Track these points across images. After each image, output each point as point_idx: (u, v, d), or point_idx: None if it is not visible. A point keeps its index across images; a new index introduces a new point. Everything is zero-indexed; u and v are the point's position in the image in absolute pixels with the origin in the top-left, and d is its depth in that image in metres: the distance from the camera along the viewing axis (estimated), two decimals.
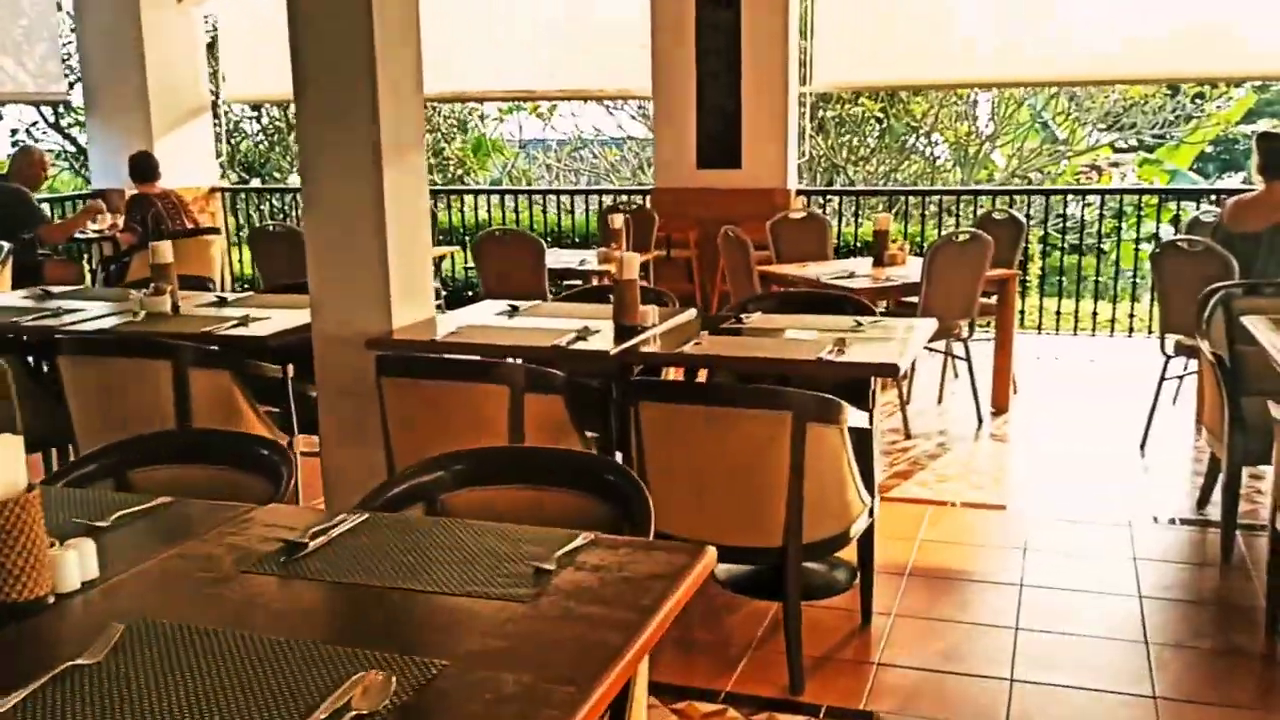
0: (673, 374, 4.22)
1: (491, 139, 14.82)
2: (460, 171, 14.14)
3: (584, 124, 15.37)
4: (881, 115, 11.87)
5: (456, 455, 2.35)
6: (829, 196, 9.21)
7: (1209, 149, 15.30)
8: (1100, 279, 8.32)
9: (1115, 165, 16.72)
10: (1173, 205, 10.72)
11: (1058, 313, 8.19)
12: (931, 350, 6.23)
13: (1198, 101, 11.96)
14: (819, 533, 3.21)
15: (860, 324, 3.96)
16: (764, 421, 3.08)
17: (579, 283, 7.82)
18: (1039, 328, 8.38)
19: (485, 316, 4.31)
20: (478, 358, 3.66)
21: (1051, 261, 11.20)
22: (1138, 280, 8.22)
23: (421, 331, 3.93)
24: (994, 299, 6.16)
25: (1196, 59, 8.15)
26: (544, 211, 9.78)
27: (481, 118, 14.30)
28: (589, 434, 3.85)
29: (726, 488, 3.17)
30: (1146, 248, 14.08)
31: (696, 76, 8.28)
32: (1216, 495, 4.61)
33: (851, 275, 5.82)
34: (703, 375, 4.22)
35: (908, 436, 5.66)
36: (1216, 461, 4.47)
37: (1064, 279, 8.77)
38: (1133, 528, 4.40)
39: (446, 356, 3.73)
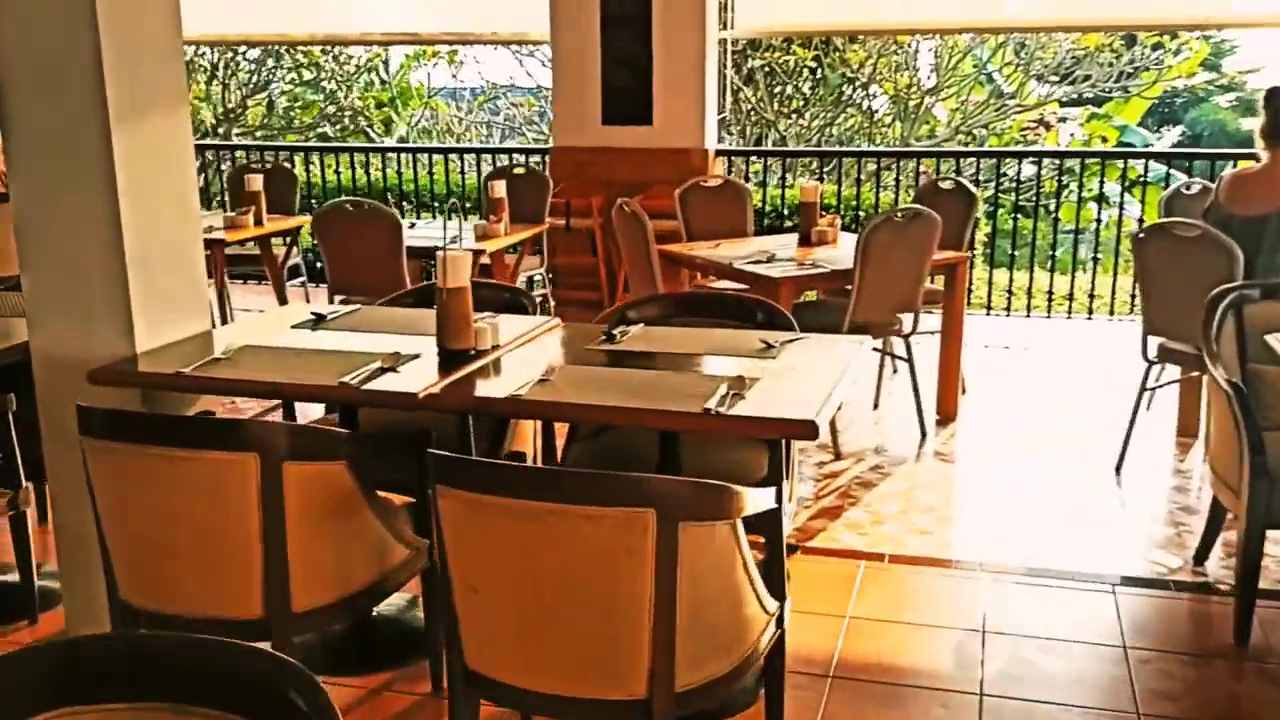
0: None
1: (416, 88, 13.52)
2: (365, 125, 12.88)
3: (499, 73, 14.16)
4: (815, 65, 10.83)
5: None
6: (754, 158, 8.17)
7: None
8: (1056, 253, 7.38)
9: (1063, 121, 15.90)
10: (1120, 164, 9.93)
11: (1009, 291, 7.25)
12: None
13: (1156, 53, 11.05)
14: (700, 674, 2.22)
15: (770, 346, 2.96)
16: (615, 524, 2.06)
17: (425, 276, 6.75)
18: (987, 307, 7.45)
19: (276, 331, 3.24)
20: (215, 413, 2.60)
21: (1002, 223, 10.31)
22: (1098, 255, 7.30)
23: (167, 360, 2.85)
24: (940, 283, 5.21)
25: (1156, 5, 7.23)
26: (430, 172, 8.65)
27: (384, 64, 13.02)
28: (404, 499, 2.83)
29: (566, 618, 2.15)
30: (1094, 209, 13.25)
31: (601, 19, 7.16)
32: (1218, 549, 3.70)
33: (771, 259, 4.81)
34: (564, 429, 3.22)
35: (837, 457, 4.69)
36: (1220, 508, 3.54)
37: (1015, 253, 7.83)
38: (1117, 594, 3.47)
39: (162, 415, 2.67)
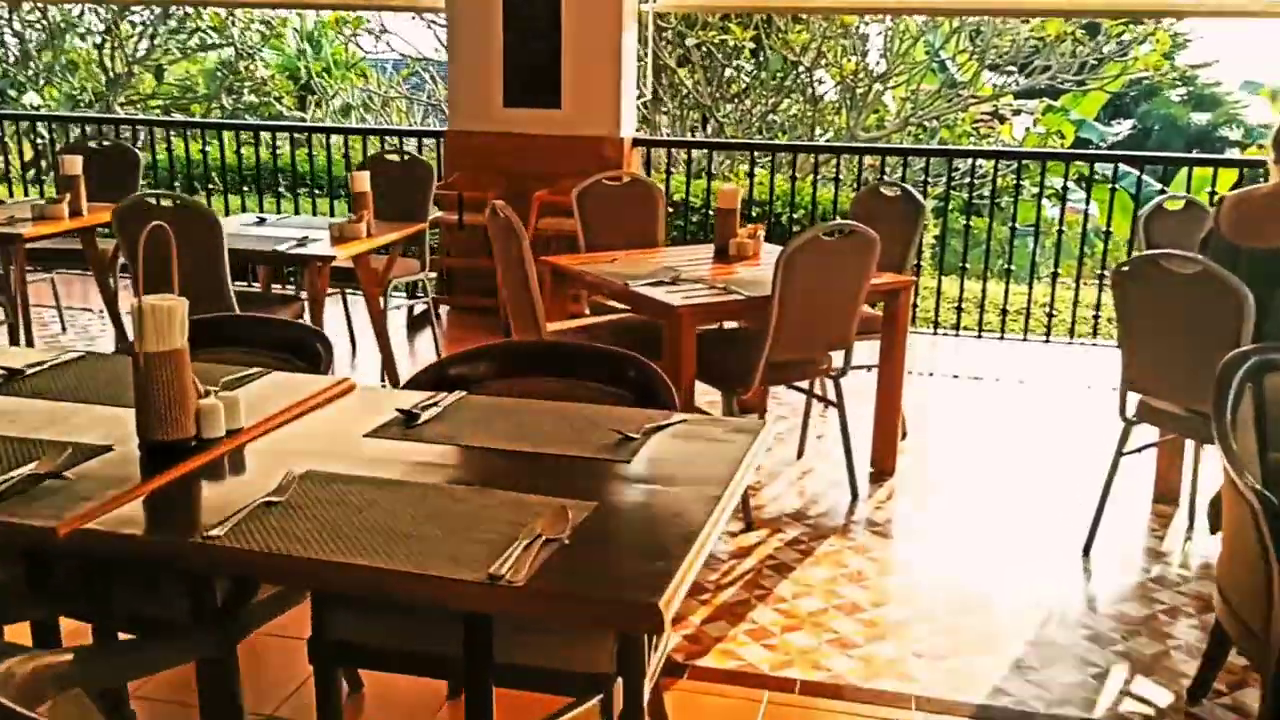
0: None
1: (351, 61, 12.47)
2: (273, 98, 11.81)
3: (427, 44, 13.12)
4: (755, 46, 9.95)
5: None
6: (678, 150, 7.28)
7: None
8: (1013, 266, 6.58)
9: (1017, 114, 15.13)
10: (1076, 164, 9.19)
11: (958, 306, 6.43)
12: (793, 388, 4.40)
13: (1120, 42, 10.26)
14: None
15: (628, 440, 2.09)
16: None
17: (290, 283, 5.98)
18: (934, 324, 6.63)
19: None
20: None
21: (953, 222, 9.50)
22: (1057, 270, 6.50)
23: None
24: (878, 310, 4.37)
25: None
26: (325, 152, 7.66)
27: (305, 36, 11.94)
28: None
29: None
30: (1052, 207, 12.47)
31: None
32: (1220, 683, 2.89)
33: (676, 280, 3.94)
34: None
35: (749, 527, 3.83)
36: (1224, 636, 2.72)
37: (967, 263, 7.02)
38: None
39: None
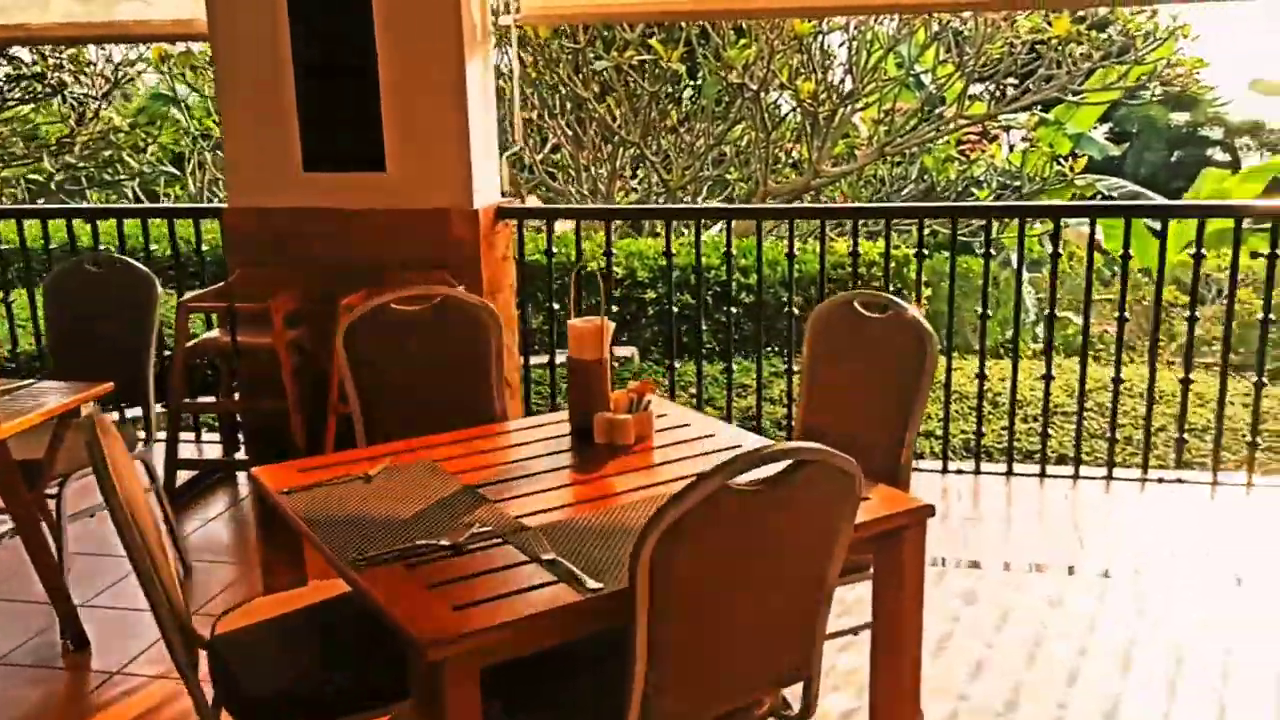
0: None
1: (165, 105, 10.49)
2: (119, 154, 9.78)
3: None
4: (690, 66, 8.01)
5: None
6: (565, 220, 5.30)
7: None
8: (1021, 329, 4.61)
9: (1007, 130, 13.20)
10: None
11: (978, 411, 4.44)
12: None
13: (1130, 37, 8.29)
14: None
15: None
16: None
17: None
18: (941, 461, 4.61)
19: None
20: None
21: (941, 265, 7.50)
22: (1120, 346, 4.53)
23: None
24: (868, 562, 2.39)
25: None
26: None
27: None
28: None
29: None
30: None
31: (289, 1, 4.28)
32: None
33: (467, 542, 1.96)
34: None
35: None
36: None
37: (966, 325, 5.02)
38: None
39: None
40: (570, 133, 8.05)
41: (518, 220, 4.58)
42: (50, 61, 9.19)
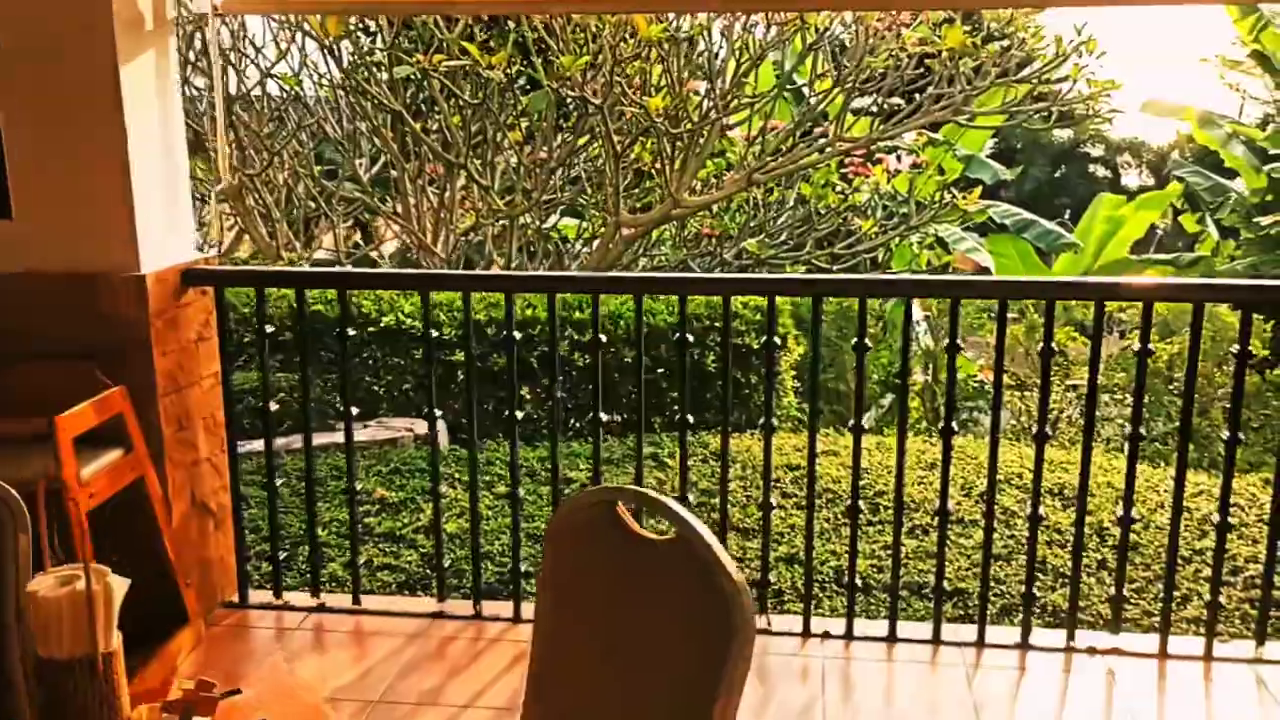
0: None
1: None
2: None
3: None
4: (520, 72, 6.76)
5: None
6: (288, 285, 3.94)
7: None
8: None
9: (892, 151, 12.21)
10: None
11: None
12: None
13: (1017, 51, 7.28)
14: None
15: None
16: None
17: None
18: (892, 623, 3.41)
19: None
20: None
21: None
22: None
23: None
24: None
25: None
26: None
27: None
28: None
29: None
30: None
31: None
32: None
33: None
34: None
35: None
36: None
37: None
38: None
39: None
40: (398, 153, 6.73)
41: (215, 287, 3.24)
42: None
